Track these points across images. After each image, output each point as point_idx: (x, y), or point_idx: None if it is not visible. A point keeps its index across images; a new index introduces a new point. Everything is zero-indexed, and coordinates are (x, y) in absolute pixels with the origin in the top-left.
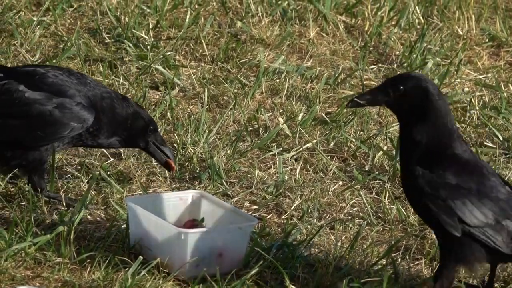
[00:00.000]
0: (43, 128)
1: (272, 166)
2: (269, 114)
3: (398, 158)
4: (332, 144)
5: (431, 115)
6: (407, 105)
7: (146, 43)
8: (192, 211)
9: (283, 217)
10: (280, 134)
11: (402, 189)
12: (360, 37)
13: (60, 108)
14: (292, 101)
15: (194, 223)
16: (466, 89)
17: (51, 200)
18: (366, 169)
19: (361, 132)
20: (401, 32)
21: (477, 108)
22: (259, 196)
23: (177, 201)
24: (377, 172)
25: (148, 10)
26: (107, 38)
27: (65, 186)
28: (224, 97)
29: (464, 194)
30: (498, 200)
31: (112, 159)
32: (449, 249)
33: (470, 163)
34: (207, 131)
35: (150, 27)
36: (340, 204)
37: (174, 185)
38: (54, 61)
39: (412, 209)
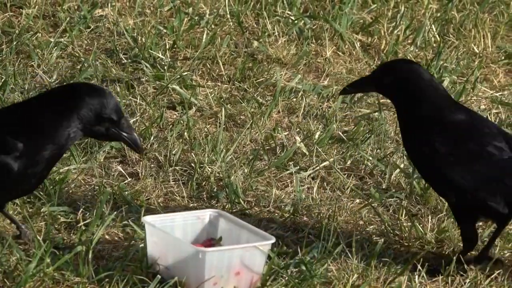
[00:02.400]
0: None
1: (289, 185)
2: (286, 133)
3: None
4: (349, 162)
5: (423, 94)
6: (398, 91)
7: (163, 63)
8: (210, 230)
9: (300, 235)
10: (297, 153)
11: (417, 205)
12: (377, 56)
13: None
14: (309, 119)
15: (212, 242)
16: (483, 107)
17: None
18: (383, 187)
19: (378, 150)
20: (417, 50)
21: None
22: (276, 214)
23: (194, 220)
24: (394, 190)
25: (164, 30)
26: (124, 58)
27: (83, 207)
28: (241, 117)
29: (469, 157)
30: (502, 160)
31: (129, 179)
32: (461, 212)
33: (471, 126)
34: (224, 150)
35: (167, 47)
36: (358, 222)
37: (191, 205)
38: (71, 82)
39: (427, 225)
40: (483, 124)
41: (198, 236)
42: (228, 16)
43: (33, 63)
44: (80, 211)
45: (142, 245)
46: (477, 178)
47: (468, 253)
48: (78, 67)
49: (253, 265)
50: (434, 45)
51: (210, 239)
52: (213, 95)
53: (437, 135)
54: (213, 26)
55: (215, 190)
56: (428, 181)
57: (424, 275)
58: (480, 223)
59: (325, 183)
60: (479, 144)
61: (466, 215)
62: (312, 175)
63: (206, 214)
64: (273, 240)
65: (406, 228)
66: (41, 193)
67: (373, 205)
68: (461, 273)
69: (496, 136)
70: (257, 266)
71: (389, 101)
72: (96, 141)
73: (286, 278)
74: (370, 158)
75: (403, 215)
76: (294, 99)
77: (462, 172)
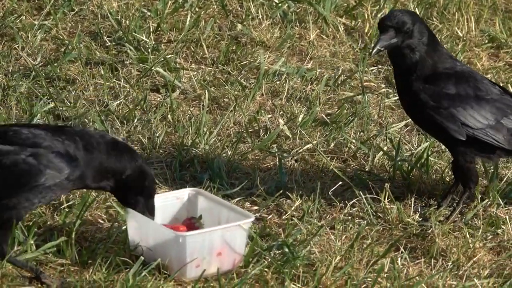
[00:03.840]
0: (18, 177)
1: (273, 167)
2: (269, 116)
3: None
4: (332, 145)
5: (430, 39)
6: (414, 39)
7: (147, 46)
8: (190, 209)
9: (283, 217)
10: (281, 136)
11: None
12: (360, 39)
13: (34, 156)
14: (292, 102)
15: (192, 221)
16: None
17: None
18: (366, 169)
19: (361, 133)
20: None
21: None
22: (259, 197)
23: (174, 200)
24: (377, 173)
25: (148, 13)
26: (108, 41)
27: None
28: (224, 99)
29: (464, 100)
30: (494, 101)
31: None
32: (458, 154)
33: (464, 73)
34: (207, 132)
35: (151, 30)
36: (340, 204)
37: (174, 187)
38: (55, 64)
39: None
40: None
41: (177, 215)
42: None
43: (17, 45)
44: None
45: (124, 227)
46: (485, 116)
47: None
48: (62, 49)
49: (234, 244)
50: None
51: (190, 218)
52: (196, 78)
53: (447, 80)
54: (197, 9)
55: (198, 172)
56: (433, 129)
57: (407, 257)
58: None
59: (308, 166)
60: (482, 86)
61: (469, 155)
62: (295, 158)
63: (184, 193)
64: (253, 217)
65: (389, 210)
66: None
67: (356, 187)
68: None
69: (485, 79)
70: (238, 246)
71: (372, 84)
72: (80, 124)
73: (269, 259)
74: (354, 141)
75: (386, 197)
76: (278, 82)
77: (472, 111)
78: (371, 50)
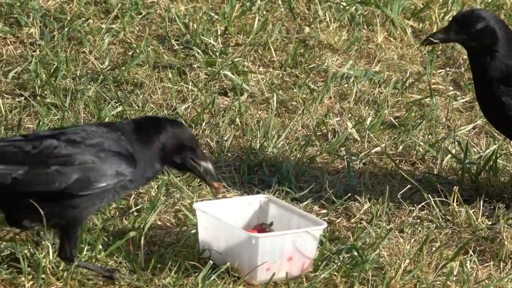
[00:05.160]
0: (86, 174)
1: (341, 171)
2: (337, 119)
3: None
4: (400, 148)
5: (501, 44)
6: (478, 41)
7: (215, 49)
8: (261, 215)
9: (352, 220)
10: (349, 139)
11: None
12: None
13: (101, 156)
14: (360, 105)
15: (263, 227)
16: None
17: (86, 270)
18: (435, 172)
19: (429, 135)
20: None
21: None
22: (328, 200)
23: (245, 206)
24: (445, 176)
25: (216, 16)
26: (175, 44)
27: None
28: (292, 103)
29: None
30: None
31: None
32: None
33: None
34: (276, 136)
35: (219, 33)
36: (409, 207)
37: (243, 190)
38: (123, 68)
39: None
40: None
41: (249, 221)
42: (280, 2)
43: (84, 49)
44: (132, 197)
45: (194, 231)
46: None
47: None
48: (130, 53)
49: (305, 250)
50: None
51: (261, 224)
52: (264, 81)
53: None
54: (264, 12)
55: (267, 175)
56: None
57: (476, 260)
58: None
59: (376, 169)
60: None
61: None
62: (363, 161)
63: (256, 200)
64: (325, 225)
65: (458, 214)
66: None
67: (424, 190)
68: None
69: None
70: (309, 251)
71: (440, 86)
72: None
73: (338, 263)
74: (422, 144)
75: (455, 200)
76: (346, 85)
77: None
78: (426, 38)
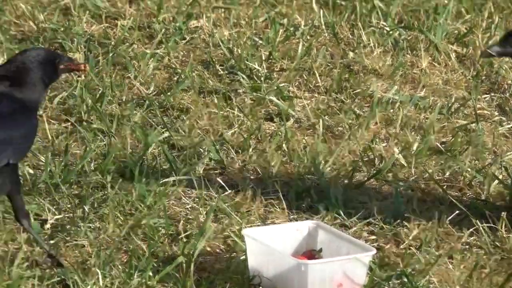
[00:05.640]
0: None
1: (389, 196)
2: (384, 144)
3: None
4: (447, 173)
5: None
6: None
7: (260, 74)
8: (309, 241)
9: (401, 246)
10: (396, 164)
11: None
12: (472, 67)
13: None
14: (406, 131)
15: (312, 253)
16: None
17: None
18: (482, 198)
19: (476, 161)
20: None
21: None
22: (376, 226)
23: (294, 232)
24: (493, 201)
25: (260, 41)
26: (220, 70)
27: (184, 219)
28: (338, 128)
29: None
30: None
31: (230, 191)
32: None
33: None
34: (323, 162)
35: (263, 58)
36: (458, 234)
37: (291, 216)
38: (168, 93)
39: None
40: None
41: (297, 247)
42: (323, 27)
43: (129, 74)
44: (181, 223)
45: (243, 257)
46: None
47: None
48: (175, 78)
49: (354, 276)
50: None
51: (310, 251)
52: (310, 106)
53: None
54: (308, 37)
55: (315, 202)
56: None
57: None
58: None
59: (424, 195)
60: None
61: None
62: (411, 187)
63: (305, 226)
64: (374, 251)
65: (507, 240)
66: (141, 205)
67: (472, 216)
68: None
69: None
70: (358, 278)
71: (486, 112)
72: (195, 154)
73: None
74: (469, 169)
75: (503, 226)
76: (391, 110)
77: None
78: (483, 50)
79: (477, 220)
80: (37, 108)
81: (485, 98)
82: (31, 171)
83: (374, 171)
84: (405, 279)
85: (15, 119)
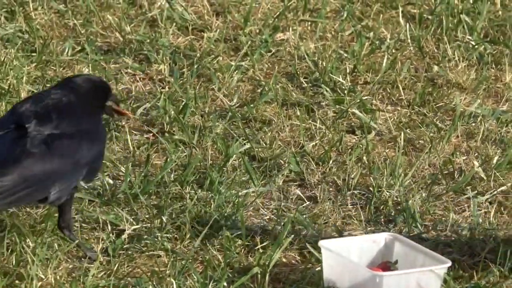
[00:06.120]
0: None
1: (467, 209)
2: (464, 158)
3: None
4: None
5: None
6: None
7: (343, 87)
8: (386, 253)
9: (476, 259)
10: (475, 178)
11: None
12: None
13: None
14: (487, 144)
15: (387, 265)
16: None
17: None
18: None
19: None
20: None
21: None
22: (453, 238)
23: (370, 243)
24: None
25: (345, 54)
26: (304, 82)
27: (261, 230)
28: (420, 141)
29: None
30: None
31: (308, 202)
32: None
33: None
34: (402, 174)
35: (347, 71)
36: None
37: (369, 228)
38: (251, 105)
39: None
40: None
41: (373, 259)
42: (409, 40)
43: (213, 86)
44: (258, 234)
45: (318, 268)
46: None
47: None
48: (259, 90)
49: None
50: None
51: (386, 262)
52: (392, 119)
53: None
54: (393, 51)
55: (392, 214)
56: None
57: None
58: None
59: (502, 208)
60: None
61: None
62: (489, 200)
63: (381, 238)
64: (449, 263)
65: None
66: (219, 215)
67: None
68: None
69: None
70: None
71: None
72: (275, 165)
73: None
74: None
75: None
76: (473, 124)
77: None
78: None
79: None
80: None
81: None
82: (110, 181)
83: (453, 184)
84: None
85: (87, 140)
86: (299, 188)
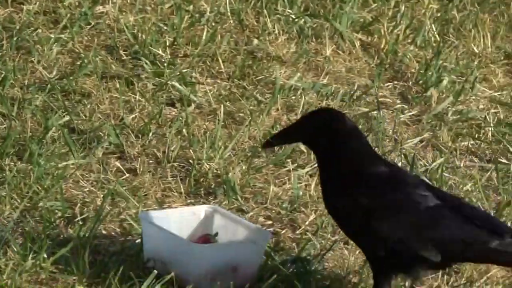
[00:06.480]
0: None
1: (287, 182)
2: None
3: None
4: None
5: (345, 145)
6: (320, 141)
7: (163, 60)
8: (206, 225)
9: (297, 232)
10: (295, 150)
11: None
12: (376, 55)
13: None
14: None
15: (207, 237)
16: (481, 106)
17: None
18: None
19: (376, 148)
20: (417, 50)
21: (491, 125)
22: (273, 211)
23: (190, 216)
24: None
25: (165, 27)
26: (124, 55)
27: (81, 202)
28: (240, 114)
29: (394, 207)
30: (429, 208)
31: (127, 175)
32: (381, 267)
33: (394, 177)
34: (222, 147)
35: (167, 44)
36: None
37: (189, 201)
38: (71, 78)
39: None
40: (405, 175)
41: (193, 231)
42: (229, 14)
43: (33, 59)
44: (77, 206)
45: (138, 240)
46: (405, 228)
47: None
48: (78, 63)
49: (249, 260)
50: (434, 44)
51: (206, 235)
52: (212, 92)
53: (359, 188)
54: (213, 24)
55: (212, 186)
56: (353, 237)
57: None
58: None
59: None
60: (403, 193)
61: (386, 271)
62: (310, 173)
63: (201, 210)
64: (269, 235)
65: None
66: (39, 187)
67: None
68: None
69: (419, 185)
70: (253, 262)
71: (388, 99)
72: (95, 138)
73: (283, 274)
74: None
75: None
76: (293, 97)
77: (388, 223)
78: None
79: None
80: None
81: (387, 86)
82: None
83: (273, 157)
84: (300, 264)
85: None
86: (118, 161)
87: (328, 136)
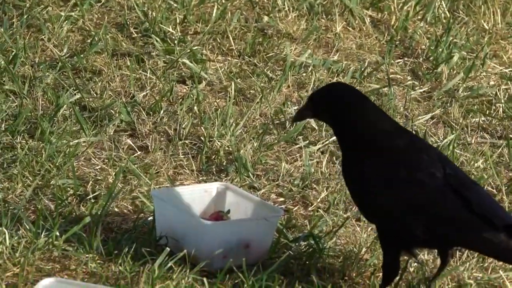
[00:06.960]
0: None
1: (299, 159)
2: (295, 108)
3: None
4: None
5: (358, 117)
6: (334, 115)
7: (173, 37)
8: (218, 203)
9: (309, 209)
10: (307, 127)
11: None
12: (386, 31)
13: None
14: None
15: (219, 214)
16: (492, 83)
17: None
18: None
19: None
20: (427, 26)
21: (502, 101)
22: (285, 188)
23: (202, 193)
24: None
25: (175, 5)
26: (134, 32)
27: (92, 179)
28: (250, 91)
29: (396, 183)
30: (430, 189)
31: (139, 152)
32: (386, 241)
33: (407, 152)
34: (234, 124)
35: (177, 21)
36: None
37: (201, 178)
38: (81, 55)
39: None
40: (421, 150)
41: (206, 209)
42: None
43: (43, 36)
44: (89, 184)
45: (151, 218)
46: (402, 205)
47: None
48: (89, 41)
49: (262, 237)
50: (444, 21)
51: (218, 212)
52: (223, 69)
53: (368, 159)
54: (223, 1)
55: (224, 163)
56: (358, 205)
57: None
58: None
59: (334, 157)
60: (410, 170)
61: (391, 245)
62: (321, 149)
63: (213, 187)
64: (282, 212)
65: None
66: (51, 165)
67: None
68: None
69: (431, 162)
70: (266, 239)
71: (398, 76)
72: (106, 115)
73: (295, 251)
74: None
75: None
76: (304, 74)
77: (388, 197)
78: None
79: None
80: None
81: (398, 62)
82: None
83: (285, 134)
84: (312, 241)
85: None
86: (130, 138)
87: (340, 109)
